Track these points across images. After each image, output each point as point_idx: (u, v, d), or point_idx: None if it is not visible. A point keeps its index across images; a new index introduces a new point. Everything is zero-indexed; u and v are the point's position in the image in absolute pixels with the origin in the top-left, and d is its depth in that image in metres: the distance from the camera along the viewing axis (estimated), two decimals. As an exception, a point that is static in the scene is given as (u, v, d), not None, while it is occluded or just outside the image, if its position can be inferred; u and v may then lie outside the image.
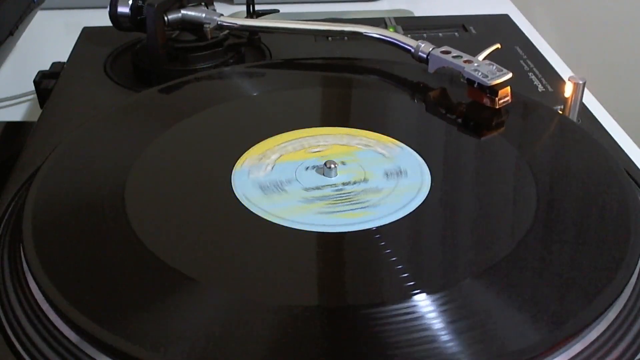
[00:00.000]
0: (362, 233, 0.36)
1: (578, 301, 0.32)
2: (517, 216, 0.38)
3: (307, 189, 0.40)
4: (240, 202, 0.38)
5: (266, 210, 0.38)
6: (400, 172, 0.41)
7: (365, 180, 0.40)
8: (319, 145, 0.43)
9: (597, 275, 0.34)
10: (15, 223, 0.38)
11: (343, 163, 0.42)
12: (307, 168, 0.41)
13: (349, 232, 0.36)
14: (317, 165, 0.41)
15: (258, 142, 0.44)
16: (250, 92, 0.51)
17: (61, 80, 0.56)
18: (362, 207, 0.38)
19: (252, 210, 0.38)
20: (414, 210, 0.38)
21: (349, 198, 0.39)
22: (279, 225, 0.37)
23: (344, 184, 0.40)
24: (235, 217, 0.38)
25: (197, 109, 0.47)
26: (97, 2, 0.78)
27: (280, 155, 0.42)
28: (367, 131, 0.45)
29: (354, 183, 0.40)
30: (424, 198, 0.39)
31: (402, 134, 0.45)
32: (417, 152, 0.43)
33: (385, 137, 0.44)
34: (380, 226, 0.37)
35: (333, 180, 0.40)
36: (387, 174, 0.41)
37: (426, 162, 0.42)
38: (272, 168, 0.41)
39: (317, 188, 0.40)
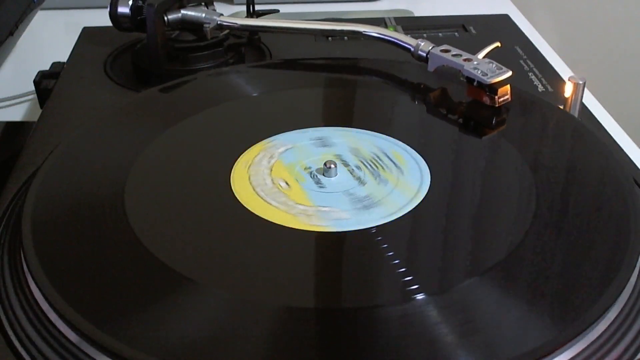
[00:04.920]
0: (362, 233, 0.36)
1: (579, 302, 0.32)
2: (517, 216, 0.38)
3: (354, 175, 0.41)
4: (240, 202, 0.38)
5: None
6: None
7: (355, 148, 0.42)
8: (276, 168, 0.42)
9: (597, 276, 0.34)
10: (15, 223, 0.38)
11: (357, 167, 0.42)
12: (312, 175, 0.41)
13: (348, 231, 0.36)
14: (315, 173, 0.41)
15: (258, 142, 0.44)
16: (250, 92, 0.51)
17: (61, 80, 0.56)
18: (396, 162, 0.40)
19: (252, 211, 0.38)
20: (413, 210, 0.38)
21: (377, 161, 0.41)
22: (279, 225, 0.37)
23: (358, 167, 0.41)
24: (234, 218, 0.38)
25: (197, 109, 0.47)
26: (97, 2, 0.78)
27: (286, 186, 0.40)
28: (267, 140, 0.44)
29: (358, 155, 0.42)
30: (423, 197, 0.39)
31: (402, 133, 0.45)
32: (416, 151, 0.43)
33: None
34: (380, 225, 0.37)
35: (345, 170, 0.41)
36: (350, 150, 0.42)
37: (426, 161, 0.42)
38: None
39: (359, 177, 0.41)
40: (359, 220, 0.37)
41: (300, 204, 0.38)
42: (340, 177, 0.41)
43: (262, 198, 0.39)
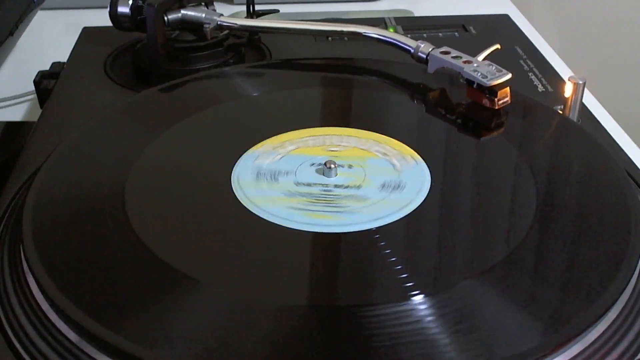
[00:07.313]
0: (361, 233, 0.36)
1: (578, 302, 0.32)
2: (516, 217, 0.38)
3: (297, 184, 0.40)
4: (240, 202, 0.38)
5: (246, 195, 0.39)
6: (398, 186, 0.40)
7: (358, 187, 0.40)
8: (340, 145, 0.43)
9: (597, 276, 0.34)
10: (15, 223, 0.38)
11: (350, 166, 0.41)
12: (312, 164, 0.41)
13: (348, 232, 0.36)
14: (322, 164, 0.41)
15: (258, 142, 0.44)
16: (250, 92, 0.51)
17: (61, 80, 0.56)
18: (337, 212, 0.38)
19: (250, 208, 0.38)
20: (413, 211, 0.38)
21: (331, 200, 0.39)
22: (279, 225, 0.37)
23: (336, 186, 0.40)
24: (235, 218, 0.38)
25: (197, 109, 0.47)
26: (97, 2, 0.78)
27: (297, 148, 0.42)
28: (394, 140, 0.44)
29: (346, 187, 0.40)
30: (423, 199, 0.39)
31: (402, 134, 0.45)
32: (416, 152, 0.43)
33: (410, 149, 0.43)
34: (380, 226, 0.37)
35: (328, 180, 0.40)
36: (383, 185, 0.40)
37: (426, 163, 0.42)
38: (281, 158, 0.41)
39: (308, 185, 0.40)
40: (244, 185, 0.39)
41: (278, 152, 0.41)
42: (322, 179, 0.40)
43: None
